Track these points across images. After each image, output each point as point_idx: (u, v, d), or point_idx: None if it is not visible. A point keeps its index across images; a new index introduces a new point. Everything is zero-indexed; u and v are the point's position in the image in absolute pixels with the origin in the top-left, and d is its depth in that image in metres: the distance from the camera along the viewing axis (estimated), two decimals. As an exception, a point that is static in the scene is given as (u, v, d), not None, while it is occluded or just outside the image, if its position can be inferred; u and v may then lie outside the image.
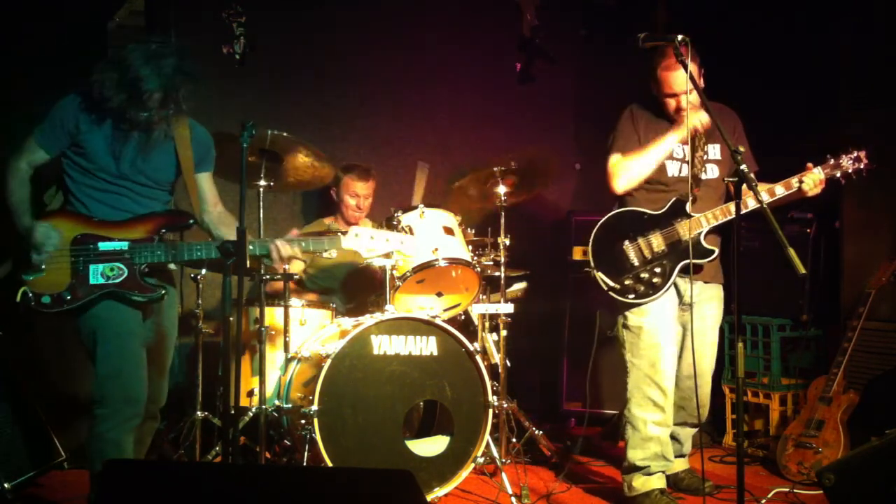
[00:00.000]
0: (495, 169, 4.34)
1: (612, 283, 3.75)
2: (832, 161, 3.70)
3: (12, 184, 3.09)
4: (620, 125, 3.84)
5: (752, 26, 5.29)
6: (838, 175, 3.71)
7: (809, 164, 3.69)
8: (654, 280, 3.70)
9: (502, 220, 4.38)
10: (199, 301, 4.13)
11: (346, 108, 5.41)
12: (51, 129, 3.08)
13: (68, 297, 3.00)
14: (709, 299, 3.84)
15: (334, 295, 4.72)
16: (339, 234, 3.37)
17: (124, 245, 3.05)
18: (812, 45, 4.96)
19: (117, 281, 3.03)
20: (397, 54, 5.53)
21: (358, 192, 4.86)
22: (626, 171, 3.75)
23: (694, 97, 3.64)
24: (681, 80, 3.61)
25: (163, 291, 3.11)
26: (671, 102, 3.71)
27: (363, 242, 3.33)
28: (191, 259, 3.16)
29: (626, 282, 3.72)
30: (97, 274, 3.02)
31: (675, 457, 3.94)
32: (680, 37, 3.17)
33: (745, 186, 2.86)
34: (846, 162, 3.70)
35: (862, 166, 3.70)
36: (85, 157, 3.08)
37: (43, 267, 3.00)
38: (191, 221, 3.21)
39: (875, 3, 4.58)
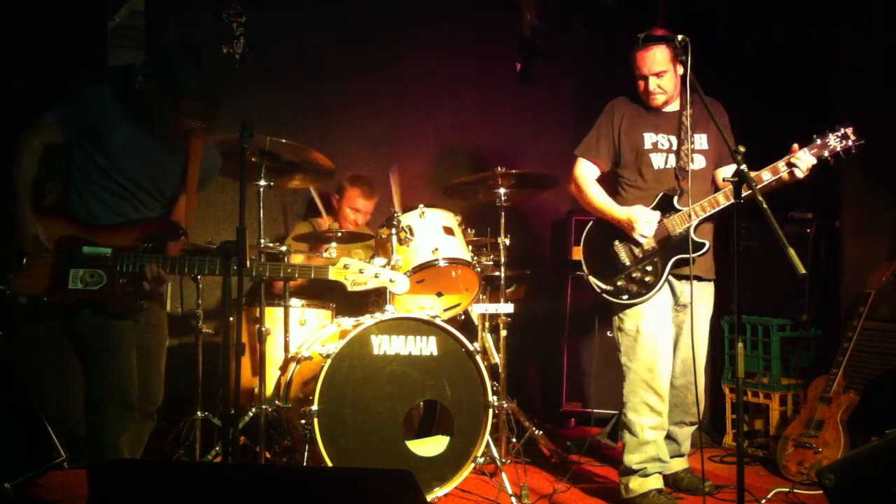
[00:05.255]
0: (497, 169, 4.34)
1: (604, 286, 3.74)
2: (818, 141, 3.57)
3: (26, 161, 2.97)
4: (600, 121, 3.85)
5: (751, 26, 5.28)
6: (826, 155, 3.56)
7: (796, 146, 3.57)
8: (647, 279, 3.68)
9: (502, 220, 4.39)
10: (199, 301, 4.14)
11: (346, 108, 5.41)
12: (72, 112, 3.01)
13: (45, 300, 2.93)
14: (700, 298, 3.79)
15: (334, 295, 4.72)
16: (329, 264, 3.35)
17: (108, 251, 2.98)
18: (811, 45, 4.96)
19: (95, 288, 2.96)
20: (397, 54, 5.53)
21: (359, 208, 4.88)
22: (578, 192, 3.84)
23: (666, 81, 3.67)
24: (651, 62, 3.66)
25: (142, 303, 3.05)
26: (640, 84, 3.73)
27: (350, 276, 3.32)
28: (174, 272, 3.11)
29: (619, 283, 3.71)
30: (76, 279, 2.94)
31: (674, 456, 3.94)
32: (680, 37, 3.17)
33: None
34: (833, 140, 3.55)
35: (850, 143, 3.55)
36: (102, 152, 3.02)
37: (24, 262, 2.92)
38: (181, 232, 3.16)
39: (875, 3, 4.58)
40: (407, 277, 3.46)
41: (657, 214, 3.67)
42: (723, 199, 3.63)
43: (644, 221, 3.65)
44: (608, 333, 4.78)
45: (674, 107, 3.79)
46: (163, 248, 3.10)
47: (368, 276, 3.33)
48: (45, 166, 3.03)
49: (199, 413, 4.06)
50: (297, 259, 4.75)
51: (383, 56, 5.48)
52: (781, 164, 3.57)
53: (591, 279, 3.78)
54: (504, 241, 4.38)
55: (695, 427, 4.00)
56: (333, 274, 3.31)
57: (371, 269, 3.35)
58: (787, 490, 3.97)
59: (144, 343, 3.15)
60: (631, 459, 3.73)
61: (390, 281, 3.39)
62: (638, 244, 3.70)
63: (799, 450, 4.18)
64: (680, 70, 3.65)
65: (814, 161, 3.55)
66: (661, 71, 3.66)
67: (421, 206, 4.16)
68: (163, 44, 3.62)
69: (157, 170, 3.12)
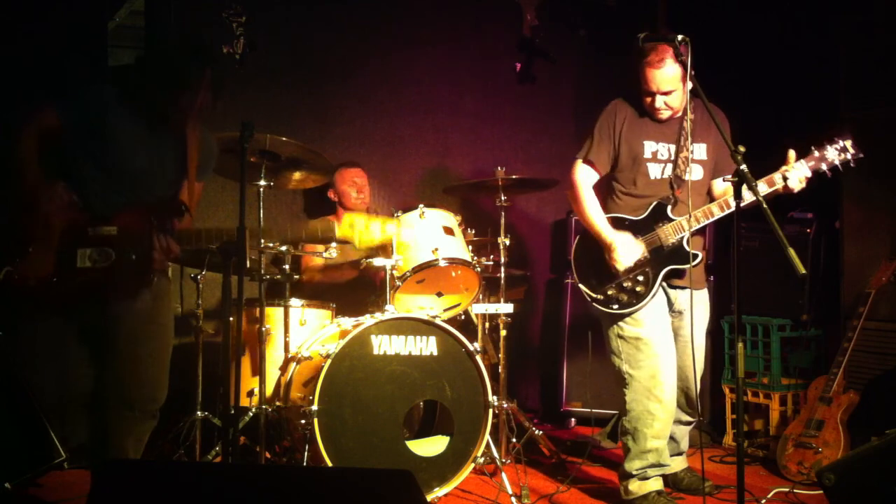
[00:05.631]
0: (497, 170, 4.35)
1: (594, 295, 3.70)
2: (816, 153, 3.54)
3: (26, 144, 2.95)
4: (600, 123, 3.74)
5: (751, 26, 5.29)
6: (824, 168, 3.53)
7: (791, 153, 3.53)
8: (637, 289, 3.63)
9: (502, 220, 4.39)
10: (199, 301, 4.13)
11: (346, 108, 5.41)
12: (72, 102, 3.01)
13: (54, 281, 2.91)
14: (695, 304, 3.71)
15: (334, 295, 4.72)
16: (334, 223, 3.31)
17: (113, 230, 2.98)
18: (811, 44, 4.97)
19: (105, 265, 2.94)
20: (397, 54, 5.53)
21: (355, 179, 4.94)
22: (574, 200, 3.76)
23: (674, 98, 3.59)
24: (660, 80, 3.54)
25: (152, 276, 3.05)
26: (646, 99, 3.63)
27: (357, 232, 3.25)
28: (181, 244, 3.08)
29: (609, 292, 3.67)
30: (84, 258, 2.93)
31: (673, 455, 3.93)
32: (680, 37, 3.16)
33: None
34: (831, 153, 3.53)
35: (849, 156, 3.53)
36: (103, 151, 3.02)
37: (30, 250, 2.91)
38: (183, 209, 3.13)
39: (875, 3, 4.58)
40: (411, 225, 3.38)
41: (640, 251, 3.62)
42: (717, 210, 3.58)
43: (622, 253, 3.60)
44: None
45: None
46: (168, 226, 3.09)
47: (375, 230, 3.28)
48: (47, 167, 3.03)
49: (199, 413, 4.05)
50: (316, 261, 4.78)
51: (383, 56, 5.48)
52: (777, 177, 3.52)
53: (582, 287, 3.74)
54: (504, 241, 4.38)
55: (692, 425, 4.00)
56: (340, 231, 3.27)
57: (377, 223, 3.30)
58: (787, 490, 3.97)
59: (155, 342, 3.16)
60: (632, 466, 3.71)
61: (395, 230, 3.33)
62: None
63: (799, 450, 4.19)
64: (689, 85, 3.51)
65: (809, 174, 3.52)
66: (671, 90, 3.56)
67: (421, 206, 4.16)
68: (159, 38, 3.59)
69: (158, 166, 3.12)
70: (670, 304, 3.77)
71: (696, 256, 3.62)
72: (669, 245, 3.62)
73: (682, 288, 3.75)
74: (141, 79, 3.02)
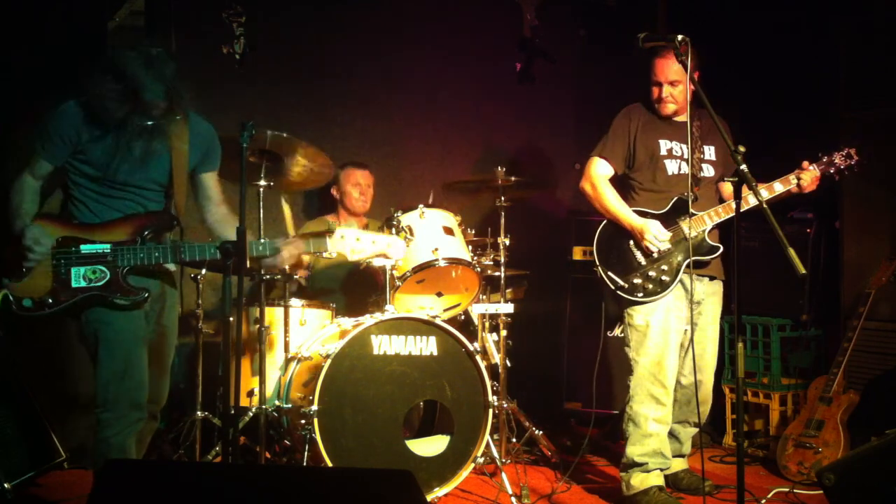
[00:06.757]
0: (497, 170, 4.35)
1: (620, 282, 3.78)
2: (825, 158, 3.82)
3: (15, 188, 3.05)
4: (615, 124, 3.93)
5: (751, 26, 5.29)
6: (832, 171, 3.83)
7: (805, 162, 3.80)
8: (663, 278, 3.74)
9: (502, 220, 4.39)
10: (199, 301, 4.13)
11: (346, 108, 5.40)
12: (51, 143, 3.03)
13: (50, 301, 2.95)
14: (711, 294, 3.91)
15: (334, 295, 4.72)
16: (326, 236, 3.26)
17: (106, 247, 3.00)
18: (811, 45, 4.97)
19: (99, 284, 2.98)
20: (397, 54, 5.53)
21: (359, 181, 4.93)
22: (593, 192, 3.87)
23: (679, 92, 3.77)
24: (667, 70, 3.77)
25: (146, 294, 3.05)
26: (654, 90, 3.83)
27: (348, 244, 3.24)
28: (176, 261, 3.09)
29: (635, 280, 3.76)
30: (79, 277, 2.97)
31: (675, 456, 3.95)
32: (680, 37, 3.18)
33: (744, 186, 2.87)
34: (838, 159, 3.83)
35: (853, 162, 3.82)
36: (89, 164, 3.04)
37: (25, 270, 2.96)
38: (174, 223, 3.16)
39: (875, 3, 4.58)
40: (404, 242, 3.37)
41: (668, 234, 3.75)
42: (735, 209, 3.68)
43: (654, 235, 3.72)
44: (608, 333, 4.80)
45: (684, 117, 3.84)
46: (160, 239, 3.11)
47: (367, 244, 3.25)
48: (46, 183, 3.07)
49: (199, 413, 4.05)
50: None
51: (383, 56, 5.48)
52: (791, 177, 3.78)
53: (609, 274, 3.81)
54: (504, 241, 4.38)
55: (697, 429, 4.01)
56: (332, 245, 3.24)
57: (368, 236, 3.27)
58: (787, 490, 3.97)
59: (153, 343, 3.16)
60: (633, 451, 3.76)
61: (387, 245, 3.29)
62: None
63: (799, 450, 4.19)
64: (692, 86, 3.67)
65: (818, 174, 3.80)
66: (676, 80, 3.76)
67: (421, 206, 4.16)
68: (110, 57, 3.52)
69: (143, 165, 3.10)
70: (690, 296, 3.81)
71: (717, 248, 3.80)
72: (691, 237, 3.73)
73: (712, 278, 3.90)
74: (106, 100, 3.00)
